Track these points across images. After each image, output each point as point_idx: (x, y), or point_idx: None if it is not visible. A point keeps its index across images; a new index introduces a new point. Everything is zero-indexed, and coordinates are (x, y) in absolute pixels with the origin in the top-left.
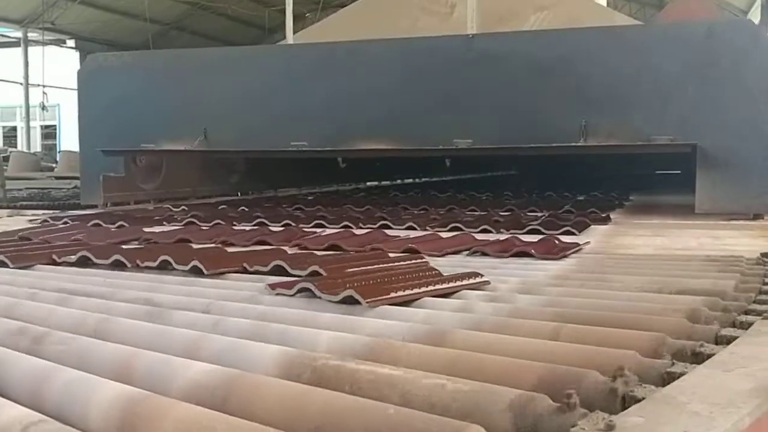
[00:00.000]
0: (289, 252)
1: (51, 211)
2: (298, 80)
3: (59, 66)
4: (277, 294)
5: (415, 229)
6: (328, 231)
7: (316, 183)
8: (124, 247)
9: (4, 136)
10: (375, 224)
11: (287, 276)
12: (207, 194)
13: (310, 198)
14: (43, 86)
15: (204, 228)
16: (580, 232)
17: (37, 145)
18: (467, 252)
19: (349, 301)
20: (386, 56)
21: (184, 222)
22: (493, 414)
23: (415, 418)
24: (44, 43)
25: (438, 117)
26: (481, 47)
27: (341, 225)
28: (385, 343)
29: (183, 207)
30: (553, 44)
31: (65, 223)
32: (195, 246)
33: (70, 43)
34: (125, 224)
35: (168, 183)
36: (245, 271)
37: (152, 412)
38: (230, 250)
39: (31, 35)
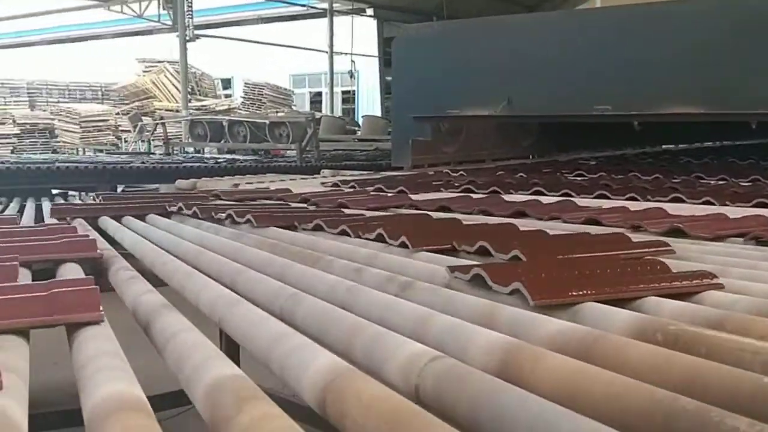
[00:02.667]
0: (523, 229)
1: (366, 172)
2: (602, 43)
3: (358, 34)
4: (455, 278)
5: (712, 203)
6: (608, 204)
7: (605, 146)
8: (369, 214)
9: (310, 102)
10: (665, 196)
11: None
12: (501, 157)
13: (592, 163)
14: (352, 55)
15: (475, 197)
16: None
17: (338, 110)
18: (748, 237)
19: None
20: (700, 15)
21: (461, 189)
22: None
23: None
24: (353, 13)
25: (763, 78)
26: None
27: (626, 196)
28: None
29: (461, 173)
30: None
31: (352, 186)
32: (435, 216)
33: (369, 11)
34: (404, 189)
35: (467, 146)
36: (454, 249)
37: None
38: (469, 223)
39: (335, 5)
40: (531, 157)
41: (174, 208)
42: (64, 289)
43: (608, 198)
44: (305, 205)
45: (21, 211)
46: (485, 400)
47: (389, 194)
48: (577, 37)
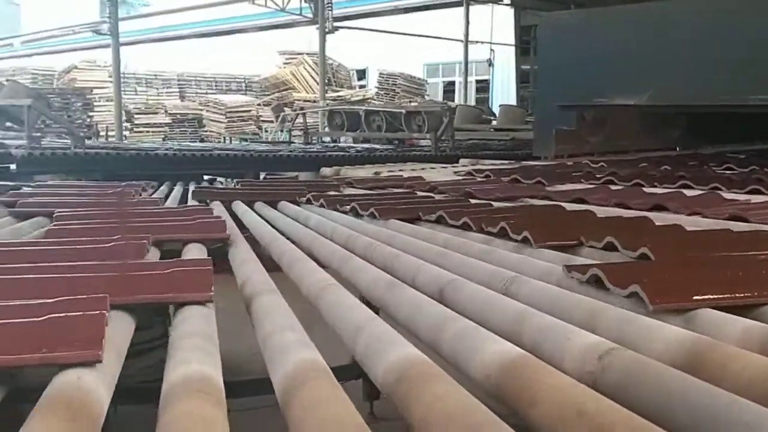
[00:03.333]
0: (658, 224)
1: (507, 161)
2: (759, 28)
3: (493, 22)
4: (572, 277)
5: None
6: (760, 199)
7: (754, 139)
8: (497, 205)
9: (444, 91)
10: None
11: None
12: (646, 148)
13: (742, 157)
14: (491, 44)
15: (614, 188)
16: None
17: (471, 99)
18: None
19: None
20: None
21: (602, 180)
22: None
23: None
24: (490, 1)
25: None
26: None
27: None
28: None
29: (602, 163)
30: None
31: (486, 176)
32: (569, 208)
33: (506, 0)
34: (542, 180)
35: (611, 137)
36: (581, 245)
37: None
38: (603, 215)
39: None
40: (676, 149)
41: (303, 199)
42: (182, 268)
43: (762, 193)
44: (432, 195)
45: (169, 194)
46: (673, 393)
47: (523, 185)
48: (733, 22)
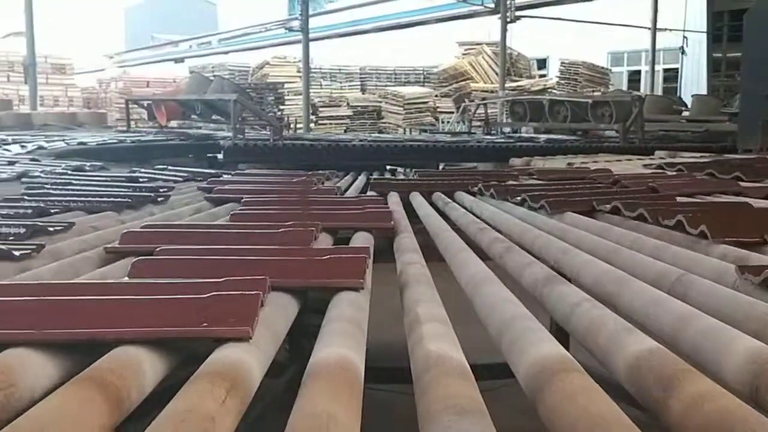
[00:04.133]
0: None
1: (708, 155)
2: None
3: (682, 8)
4: (745, 279)
5: None
6: None
7: None
8: (681, 199)
9: (628, 80)
10: None
11: None
12: None
13: None
14: (684, 31)
15: None
16: None
17: (658, 88)
18: None
19: None
20: None
21: None
22: None
23: None
24: None
25: None
26: None
27: None
28: None
29: None
30: None
31: (678, 170)
32: (757, 206)
33: None
34: (740, 175)
35: None
36: (764, 243)
37: None
38: None
39: None
40: None
41: (475, 189)
42: (339, 255)
43: None
44: (614, 187)
45: (350, 183)
46: None
47: (716, 180)
48: None
